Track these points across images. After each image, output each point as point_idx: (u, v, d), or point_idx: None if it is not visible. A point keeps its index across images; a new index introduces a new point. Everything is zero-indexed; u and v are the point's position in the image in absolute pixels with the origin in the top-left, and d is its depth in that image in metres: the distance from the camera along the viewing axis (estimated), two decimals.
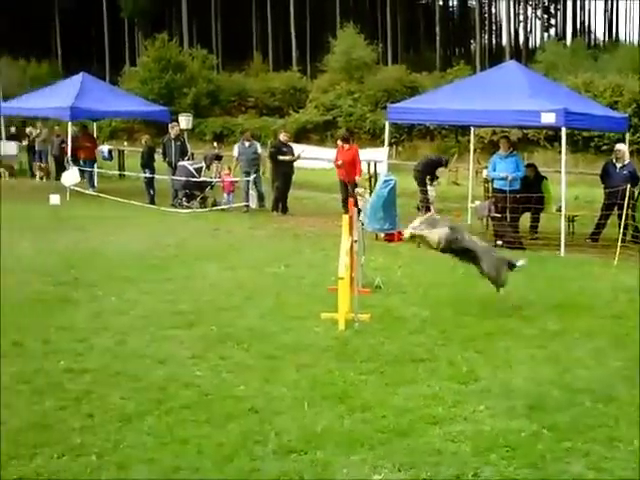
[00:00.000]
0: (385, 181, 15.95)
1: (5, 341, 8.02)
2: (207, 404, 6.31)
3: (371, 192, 18.38)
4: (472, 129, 21.21)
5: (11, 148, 32.57)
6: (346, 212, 13.31)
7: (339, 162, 19.48)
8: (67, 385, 6.77)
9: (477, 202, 18.02)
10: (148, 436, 5.69)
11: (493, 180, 16.49)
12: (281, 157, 20.24)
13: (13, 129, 34.28)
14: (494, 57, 72.91)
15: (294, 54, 72.60)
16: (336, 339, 8.15)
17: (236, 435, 5.66)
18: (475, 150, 22.37)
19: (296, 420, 5.96)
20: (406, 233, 10.07)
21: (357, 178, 19.11)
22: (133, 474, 5.11)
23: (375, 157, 24.10)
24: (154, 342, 8.03)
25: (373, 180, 22.34)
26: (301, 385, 6.75)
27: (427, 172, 20.48)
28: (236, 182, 21.54)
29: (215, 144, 33.26)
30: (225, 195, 21.41)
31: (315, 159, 29.33)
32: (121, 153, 32.40)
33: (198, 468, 5.18)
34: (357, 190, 17.99)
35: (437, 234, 9.64)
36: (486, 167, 18.47)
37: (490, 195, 17.02)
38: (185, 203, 20.92)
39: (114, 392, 6.58)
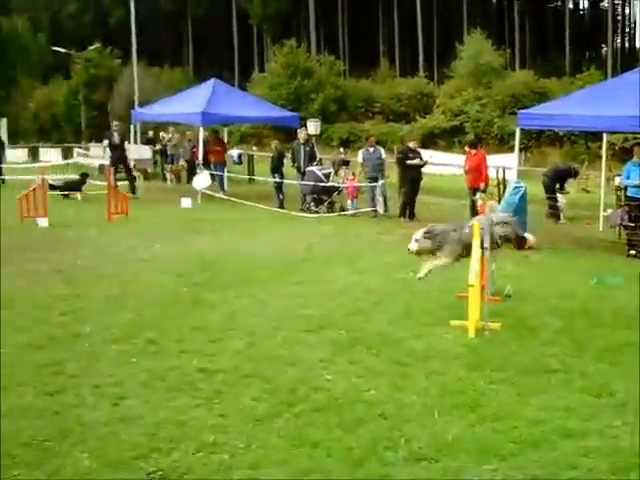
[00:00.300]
0: (515, 188, 15.70)
1: (141, 339, 8.30)
2: (337, 408, 6.32)
3: (499, 199, 18.12)
4: (604, 136, 20.71)
5: (146, 152, 33.60)
6: None
7: (466, 168, 19.30)
8: (200, 384, 6.90)
9: (609, 210, 17.57)
10: (279, 438, 5.74)
11: (626, 188, 16.03)
12: (410, 162, 20.16)
13: (151, 133, 35.35)
14: (627, 61, 70.73)
15: (421, 60, 72.37)
16: (466, 347, 8.04)
17: (366, 440, 5.65)
18: (606, 157, 21.78)
19: (426, 427, 5.91)
20: (411, 247, 9.72)
21: (482, 185, 18.77)
22: (265, 474, 5.16)
23: (504, 163, 23.77)
24: (285, 345, 8.11)
25: (502, 187, 22.03)
26: (431, 392, 6.70)
27: (556, 180, 20.13)
28: (360, 188, 21.61)
29: (342, 149, 33.47)
30: (349, 201, 21.50)
31: (442, 165, 29.17)
32: (250, 158, 32.97)
33: (329, 471, 5.19)
34: (478, 195, 17.73)
35: (446, 259, 9.44)
36: (618, 174, 18.00)
37: (623, 203, 16.54)
38: (313, 208, 21.12)
39: (245, 393, 6.67)
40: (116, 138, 25.38)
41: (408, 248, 9.59)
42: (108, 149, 26.44)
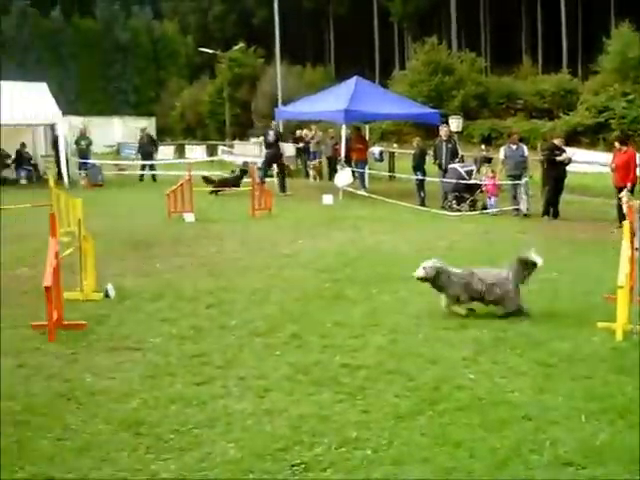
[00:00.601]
0: None
1: (284, 332, 8.45)
2: (480, 408, 6.25)
3: None
4: None
5: (290, 150, 34.14)
6: (620, 219, 12.76)
7: (613, 165, 18.70)
8: (342, 379, 6.95)
9: None
10: (422, 436, 5.72)
11: None
12: (558, 158, 19.68)
13: (299, 132, 35.88)
14: None
15: (564, 56, 70.68)
16: (614, 350, 7.80)
17: (510, 442, 5.56)
18: None
19: (572, 432, 5.76)
20: (417, 273, 9.29)
21: (629, 184, 18.08)
22: (407, 471, 5.15)
23: None
24: (426, 342, 8.09)
25: None
26: (577, 395, 6.52)
27: None
28: (500, 186, 21.28)
29: (483, 146, 33.02)
30: (487, 199, 21.20)
31: (587, 162, 28.39)
32: (392, 155, 32.97)
33: (471, 471, 5.14)
34: (624, 193, 17.13)
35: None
36: None
37: None
38: (455, 205, 20.93)
39: (388, 389, 6.69)
40: (271, 137, 25.87)
41: (413, 274, 9.40)
42: (264, 147, 27.08)
